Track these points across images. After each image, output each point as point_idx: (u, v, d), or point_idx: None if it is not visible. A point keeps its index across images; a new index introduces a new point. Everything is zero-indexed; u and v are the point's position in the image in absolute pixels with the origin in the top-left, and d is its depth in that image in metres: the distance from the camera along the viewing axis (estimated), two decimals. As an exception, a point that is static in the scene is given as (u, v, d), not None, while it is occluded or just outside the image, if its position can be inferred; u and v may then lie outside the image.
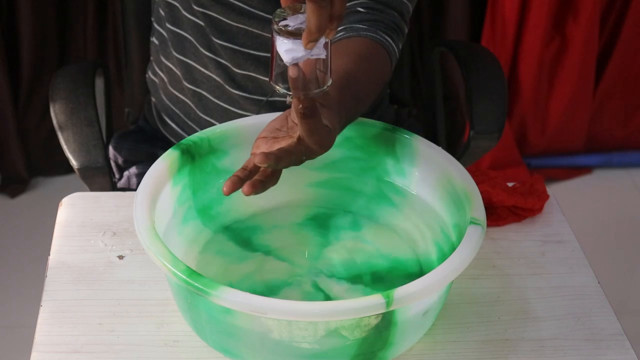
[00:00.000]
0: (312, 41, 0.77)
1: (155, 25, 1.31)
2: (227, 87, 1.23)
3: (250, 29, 1.19)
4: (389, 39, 1.08)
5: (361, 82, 0.98)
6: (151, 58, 1.36)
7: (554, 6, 2.15)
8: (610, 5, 2.23)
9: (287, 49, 0.78)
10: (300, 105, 0.81)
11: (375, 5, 1.10)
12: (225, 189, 0.86)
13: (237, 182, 0.87)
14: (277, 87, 0.82)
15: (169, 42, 1.27)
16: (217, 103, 1.25)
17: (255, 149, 0.90)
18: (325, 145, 0.86)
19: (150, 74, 1.36)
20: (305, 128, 0.83)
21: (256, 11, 1.18)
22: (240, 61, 1.21)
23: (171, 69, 1.29)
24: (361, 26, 1.07)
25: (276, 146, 0.87)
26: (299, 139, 0.85)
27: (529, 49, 2.19)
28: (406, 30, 1.13)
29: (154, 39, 1.32)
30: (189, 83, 1.26)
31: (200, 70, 1.24)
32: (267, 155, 0.83)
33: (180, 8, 1.22)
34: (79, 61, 2.12)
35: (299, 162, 0.87)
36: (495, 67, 1.40)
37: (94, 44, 2.11)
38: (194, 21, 1.22)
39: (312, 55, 0.79)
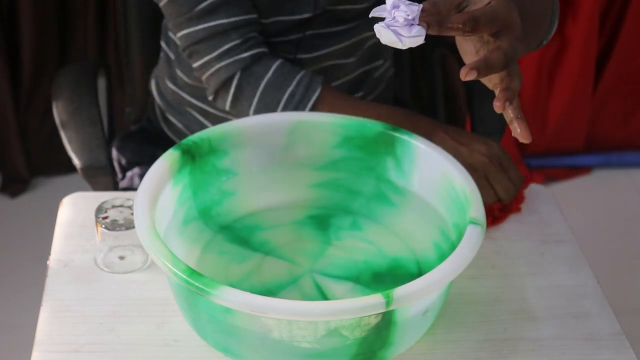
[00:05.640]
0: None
1: (163, 45, 1.31)
2: None
3: None
4: None
5: None
6: (157, 67, 1.36)
7: (553, 6, 2.15)
8: (609, 6, 2.23)
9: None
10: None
11: None
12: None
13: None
14: None
15: (175, 63, 1.28)
16: (223, 117, 1.25)
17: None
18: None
19: (157, 80, 1.36)
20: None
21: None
22: None
23: (174, 91, 1.29)
24: None
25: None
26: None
27: (528, 49, 2.19)
28: None
29: (161, 53, 1.32)
30: (194, 98, 1.27)
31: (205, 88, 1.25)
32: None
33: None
34: (82, 61, 2.12)
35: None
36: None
37: (94, 43, 2.11)
38: None
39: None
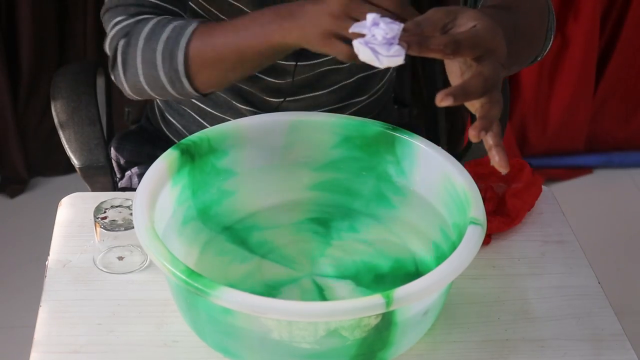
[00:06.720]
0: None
1: None
2: (234, 102, 1.23)
3: None
4: None
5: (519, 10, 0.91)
6: None
7: (554, 6, 2.14)
8: (610, 5, 2.23)
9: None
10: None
11: None
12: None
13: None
14: None
15: None
16: (222, 117, 1.25)
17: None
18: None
19: None
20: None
21: None
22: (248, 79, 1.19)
23: None
24: None
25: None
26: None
27: (529, 49, 2.19)
28: None
29: None
30: (194, 99, 1.26)
31: None
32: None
33: None
34: (80, 60, 2.12)
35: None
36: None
37: (93, 43, 2.11)
38: None
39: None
